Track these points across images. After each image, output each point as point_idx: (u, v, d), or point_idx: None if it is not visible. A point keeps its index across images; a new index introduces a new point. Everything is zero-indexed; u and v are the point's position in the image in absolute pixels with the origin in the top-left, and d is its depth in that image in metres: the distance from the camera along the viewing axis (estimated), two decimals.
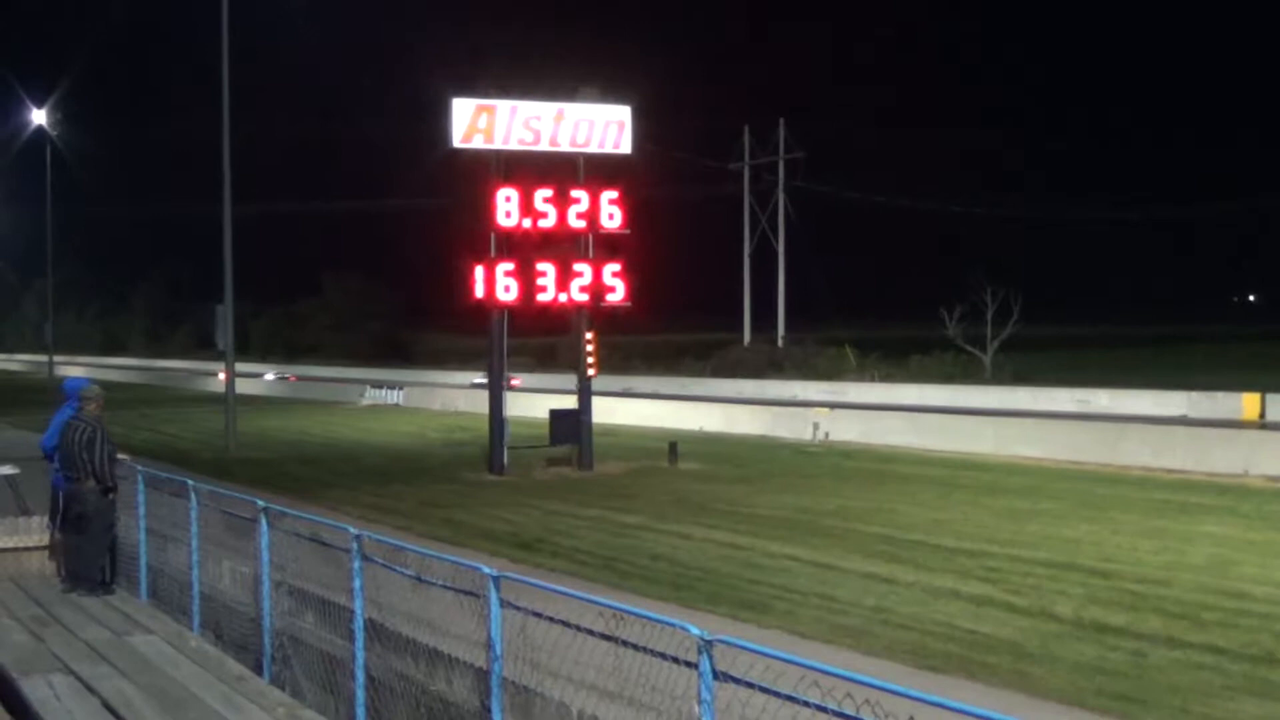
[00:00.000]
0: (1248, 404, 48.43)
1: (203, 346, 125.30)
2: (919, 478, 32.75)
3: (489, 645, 10.12)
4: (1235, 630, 15.46)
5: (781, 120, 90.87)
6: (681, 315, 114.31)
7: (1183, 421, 45.39)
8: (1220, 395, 50.17)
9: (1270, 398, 48.45)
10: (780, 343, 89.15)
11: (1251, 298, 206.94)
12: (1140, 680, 13.45)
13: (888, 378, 72.29)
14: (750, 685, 7.27)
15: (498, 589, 9.99)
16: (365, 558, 12.01)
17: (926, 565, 20.13)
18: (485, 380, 40.28)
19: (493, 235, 34.54)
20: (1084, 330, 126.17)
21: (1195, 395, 50.82)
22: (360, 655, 11.98)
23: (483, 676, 10.59)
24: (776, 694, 7.11)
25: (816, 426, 44.57)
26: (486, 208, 34.24)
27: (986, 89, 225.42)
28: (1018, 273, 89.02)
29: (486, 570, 10.23)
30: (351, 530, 12.32)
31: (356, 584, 11.93)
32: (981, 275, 78.68)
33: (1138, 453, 34.79)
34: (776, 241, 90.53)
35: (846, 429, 44.03)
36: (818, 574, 19.53)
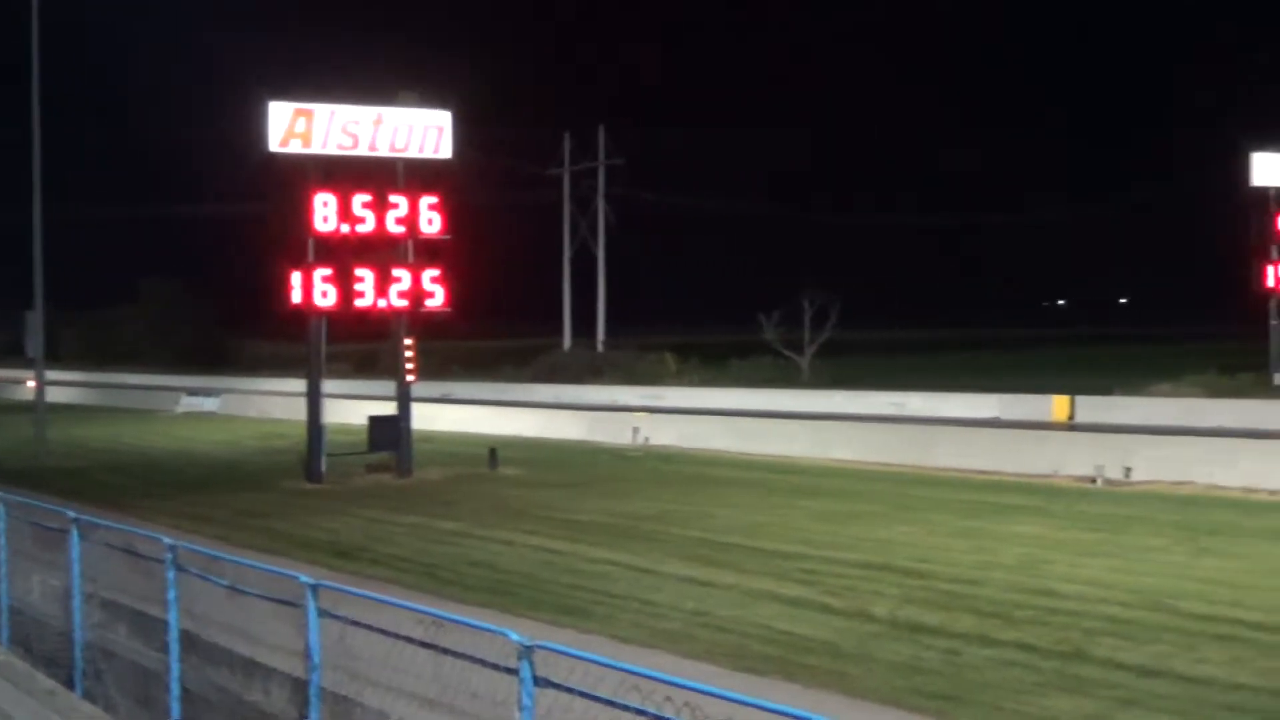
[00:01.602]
0: (1057, 406, 49.52)
1: (12, 353, 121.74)
2: (737, 481, 33.04)
3: (307, 655, 10.00)
4: (1046, 628, 15.84)
5: (601, 127, 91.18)
6: (502, 321, 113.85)
7: (994, 424, 46.35)
8: (1031, 398, 51.26)
9: (1080, 400, 49.67)
10: (600, 348, 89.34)
11: (1061, 302, 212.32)
12: (954, 678, 13.71)
13: (707, 382, 72.72)
14: (570, 690, 7.28)
15: (315, 598, 9.88)
16: (180, 568, 11.79)
17: (745, 568, 20.32)
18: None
19: (310, 240, 34.12)
20: (901, 334, 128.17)
21: (1007, 398, 51.86)
22: (175, 667, 11.76)
23: (301, 686, 10.46)
24: (596, 699, 7.12)
25: (636, 431, 44.74)
26: (304, 213, 33.82)
27: (812, 94, 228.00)
28: (836, 277, 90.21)
29: (304, 579, 10.11)
30: (166, 540, 12.09)
31: (171, 595, 11.72)
32: (800, 280, 79.66)
33: (951, 455, 35.47)
34: (596, 247, 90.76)
35: (666, 433, 44.27)
36: (637, 578, 19.61)
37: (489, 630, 8.01)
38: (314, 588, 9.90)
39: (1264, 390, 50.92)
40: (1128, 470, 31.02)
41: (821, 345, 78.54)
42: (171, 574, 11.71)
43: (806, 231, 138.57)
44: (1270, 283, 51.98)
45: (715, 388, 68.73)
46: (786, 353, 77.82)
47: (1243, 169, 52.22)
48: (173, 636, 11.74)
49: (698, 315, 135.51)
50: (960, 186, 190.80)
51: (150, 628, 12.64)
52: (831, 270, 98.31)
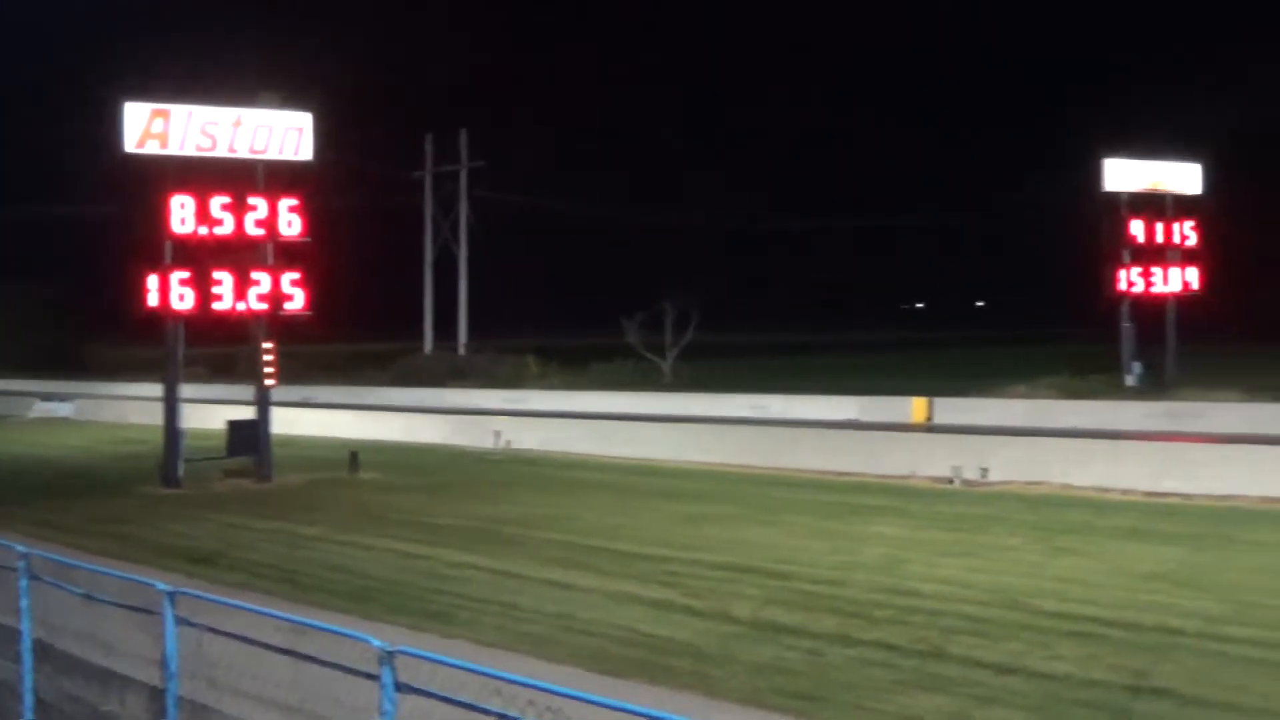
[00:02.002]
0: (916, 408, 50.16)
1: None
2: (600, 484, 33.08)
3: (164, 663, 9.86)
4: (905, 627, 16.06)
5: (463, 130, 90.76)
6: (364, 325, 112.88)
7: (854, 425, 46.86)
8: (890, 400, 51.86)
9: (937, 402, 50.37)
10: (462, 351, 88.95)
11: (919, 305, 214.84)
12: (816, 678, 13.86)
13: (569, 385, 72.67)
14: (432, 695, 7.27)
15: (173, 605, 9.74)
16: (33, 576, 11.57)
17: (607, 571, 20.36)
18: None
19: (168, 243, 33.59)
20: (761, 338, 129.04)
21: (866, 400, 52.43)
22: (28, 678, 11.53)
23: (158, 695, 10.31)
24: (458, 703, 7.12)
25: (498, 435, 44.61)
26: (161, 215, 33.28)
27: (669, 96, 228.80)
28: (699, 281, 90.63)
29: (161, 586, 9.97)
30: (19, 548, 11.85)
31: (24, 604, 11.48)
32: (663, 283, 79.97)
33: (812, 457, 35.79)
34: (458, 250, 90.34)
35: (528, 437, 44.21)
36: (499, 582, 19.57)
37: (350, 636, 7.96)
38: (171, 595, 9.77)
39: (1115, 391, 52.04)
40: (984, 471, 31.53)
41: (683, 348, 78.93)
42: (24, 583, 11.48)
43: (669, 234, 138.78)
44: (1121, 286, 53.19)
45: (577, 391, 68.71)
46: (648, 356, 78.06)
47: (1096, 175, 53.37)
48: (25, 646, 11.52)
49: (561, 319, 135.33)
50: (820, 190, 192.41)
51: (2, 638, 12.38)
52: (694, 273, 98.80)
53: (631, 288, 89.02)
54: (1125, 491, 28.55)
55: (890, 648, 15.04)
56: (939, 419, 49.01)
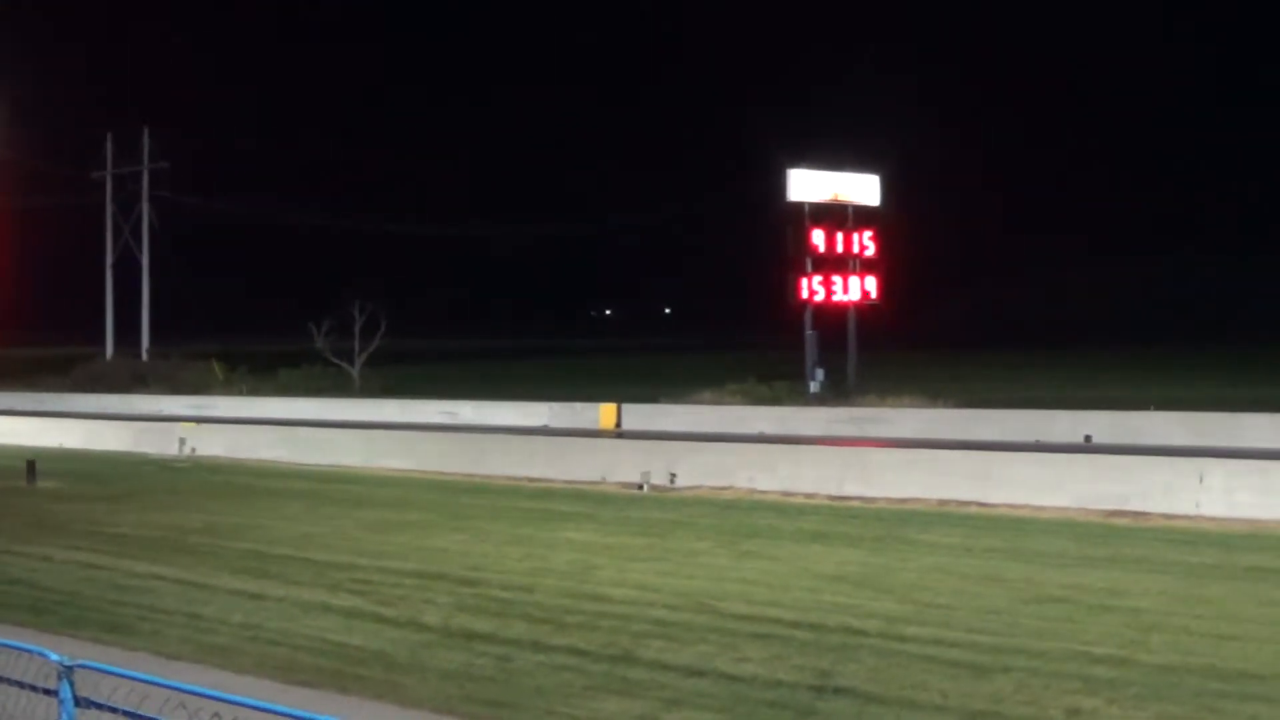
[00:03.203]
0: (605, 414, 50.70)
1: None
2: (289, 492, 32.55)
3: None
4: (596, 632, 16.20)
5: (145, 129, 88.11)
6: (44, 328, 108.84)
7: (545, 432, 47.14)
8: (580, 405, 52.33)
9: (626, 408, 51.00)
10: (145, 356, 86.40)
11: (609, 312, 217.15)
12: (507, 684, 13.88)
13: (255, 391, 71.29)
14: (114, 710, 7.05)
15: None
16: None
17: (296, 580, 20.04)
18: None
19: None
20: (451, 343, 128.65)
21: (556, 406, 52.80)
22: None
23: None
24: (142, 718, 6.92)
25: (183, 442, 43.50)
26: None
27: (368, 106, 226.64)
28: (386, 286, 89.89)
29: None
30: None
31: None
32: (352, 288, 79.06)
33: (503, 463, 35.88)
34: (140, 253, 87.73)
35: (214, 444, 43.21)
36: (185, 593, 19.08)
37: (26, 650, 7.66)
38: None
39: (800, 398, 53.50)
40: (673, 476, 32.03)
41: (372, 354, 78.17)
42: None
43: (356, 240, 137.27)
44: (804, 294, 54.27)
45: (265, 397, 67.48)
46: (337, 361, 77.07)
47: (780, 185, 54.59)
48: None
49: (249, 324, 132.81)
50: (514, 195, 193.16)
51: None
52: (381, 279, 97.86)
53: (322, 293, 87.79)
54: (810, 495, 29.36)
55: (580, 653, 15.15)
56: (628, 425, 49.65)
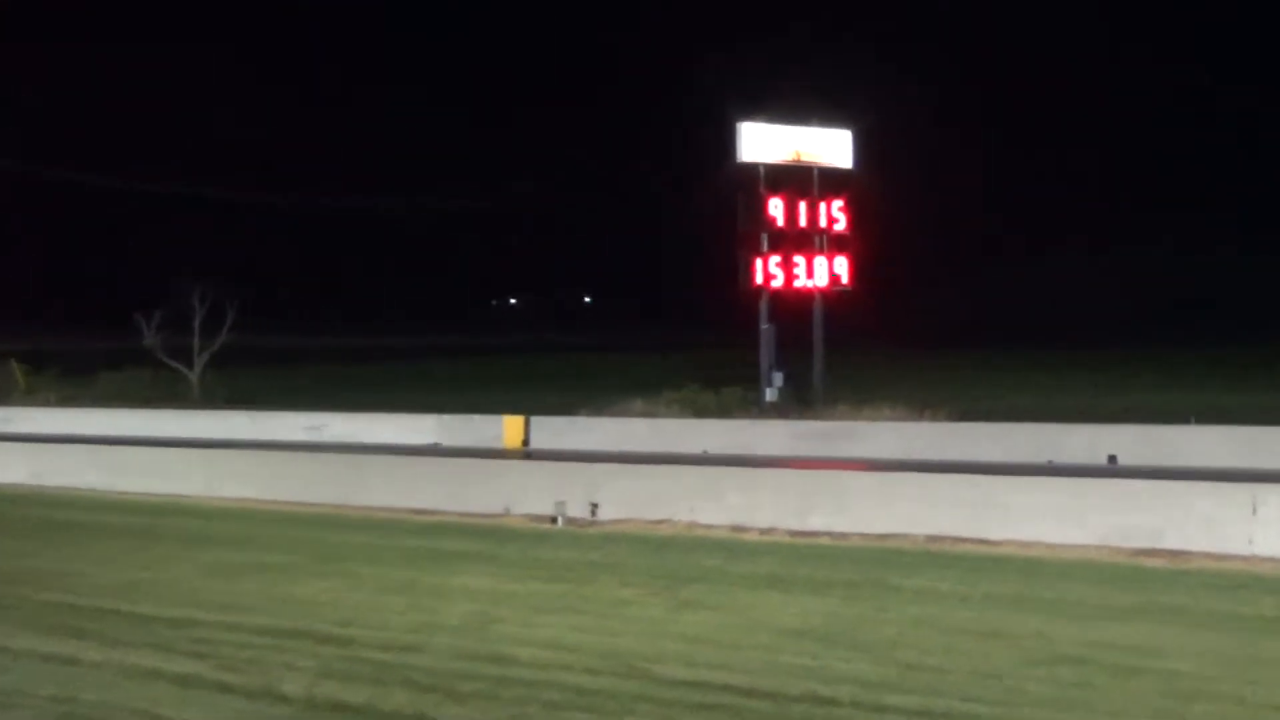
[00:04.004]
0: (509, 428, 50.52)
1: None
2: (110, 528, 32.29)
3: None
4: (496, 703, 16.12)
5: None
6: None
7: (434, 451, 46.94)
8: (478, 418, 52.13)
9: (536, 421, 50.85)
10: None
11: (513, 301, 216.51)
12: None
13: (68, 400, 70.62)
14: None
15: None
16: None
17: (120, 639, 19.86)
18: None
19: None
20: (315, 341, 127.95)
21: (448, 419, 52.56)
22: None
23: None
24: None
25: None
26: None
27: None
28: (235, 269, 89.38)
29: None
30: None
31: None
32: (192, 271, 78.40)
33: (382, 491, 35.69)
34: None
35: (14, 467, 42.77)
36: None
37: None
38: None
39: (754, 408, 53.42)
40: (594, 507, 31.96)
41: (217, 353, 77.54)
42: None
43: (195, 211, 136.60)
44: (759, 278, 53.76)
45: (80, 408, 66.90)
46: (172, 364, 76.46)
47: (730, 143, 54.31)
48: None
49: (60, 318, 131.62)
50: (395, 162, 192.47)
51: None
52: (229, 259, 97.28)
53: (153, 277, 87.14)
54: (766, 530, 29.39)
55: None
56: (538, 443, 49.57)
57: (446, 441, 50.23)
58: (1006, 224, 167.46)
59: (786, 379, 55.28)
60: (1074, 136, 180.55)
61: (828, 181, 55.82)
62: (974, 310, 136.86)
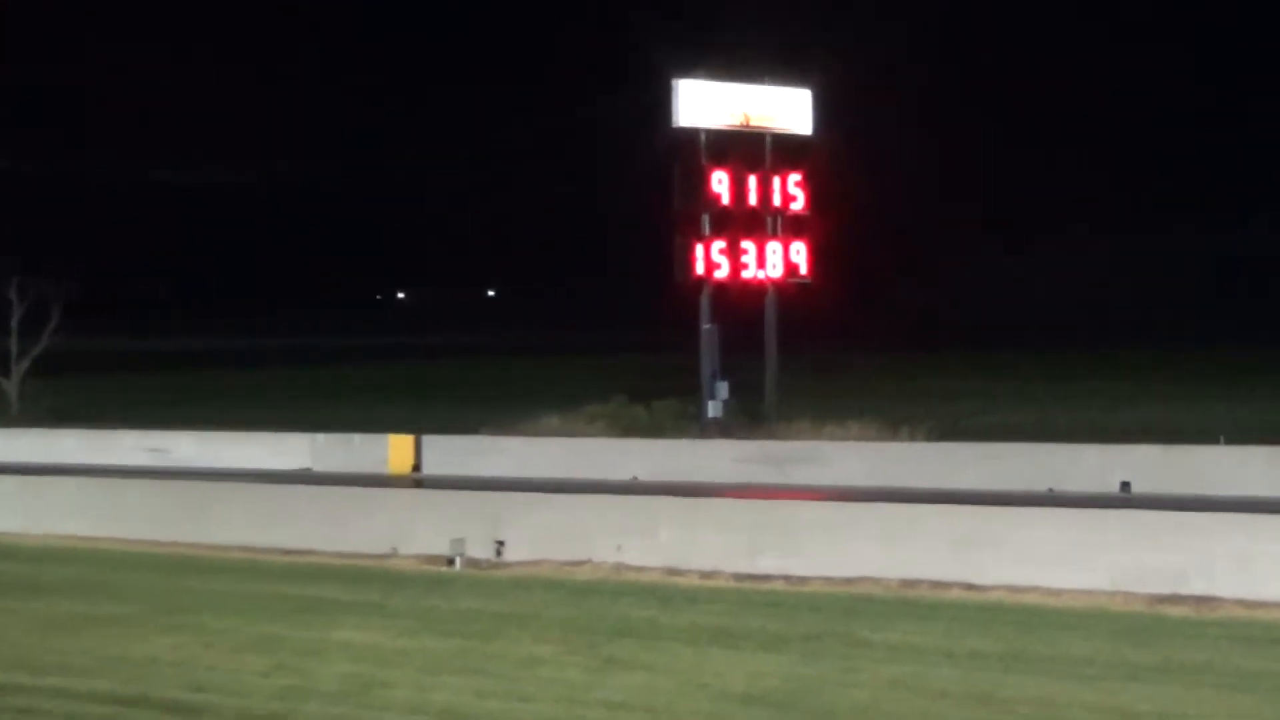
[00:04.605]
0: (396, 450, 50.25)
1: None
2: None
3: None
4: None
5: None
6: None
7: (305, 478, 46.74)
8: (359, 438, 51.86)
9: (428, 441, 50.62)
10: None
11: (402, 295, 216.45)
12: None
13: None
14: None
15: None
16: None
17: None
18: None
19: None
20: (156, 344, 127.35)
21: (323, 438, 52.24)
22: None
23: None
24: None
25: None
26: None
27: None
28: (65, 258, 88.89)
29: None
30: None
31: None
32: (8, 258, 77.88)
33: (242, 527, 35.54)
34: None
35: None
36: None
37: None
38: None
39: (693, 425, 53.29)
40: (500, 546, 31.96)
41: (40, 359, 76.99)
42: None
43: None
44: (699, 268, 53.35)
45: None
46: None
47: (666, 105, 54.10)
48: None
49: None
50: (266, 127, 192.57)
51: None
52: (61, 245, 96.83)
53: None
54: (708, 574, 29.40)
55: None
56: (431, 468, 49.40)
57: (320, 466, 50.00)
58: (998, 203, 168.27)
59: (732, 390, 55.09)
60: (1079, 116, 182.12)
61: (783, 151, 55.49)
62: (957, 307, 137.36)
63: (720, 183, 53.26)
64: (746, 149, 54.92)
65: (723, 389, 54.35)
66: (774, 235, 54.84)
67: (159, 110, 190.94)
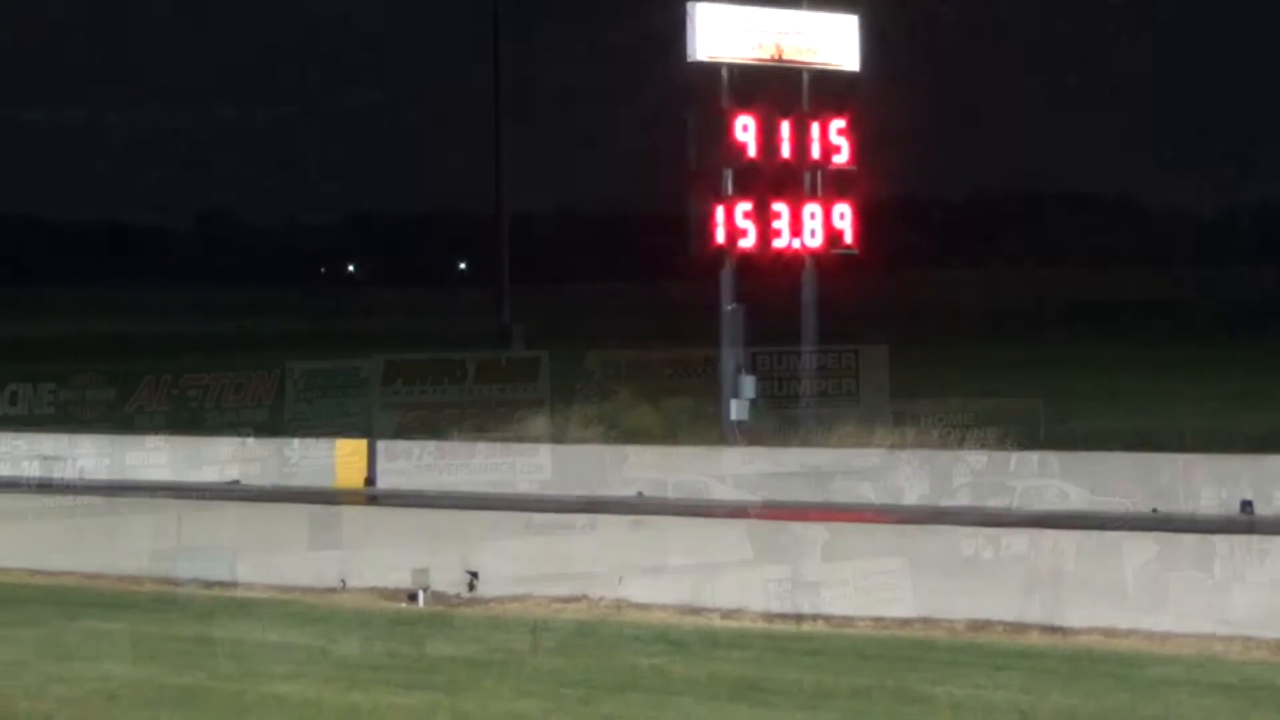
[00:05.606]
0: (345, 459, 50.22)
1: None
2: None
3: None
4: None
5: None
6: None
7: (234, 493, 46.75)
8: (298, 443, 51.82)
9: (382, 447, 50.51)
10: None
11: (352, 268, 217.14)
12: None
13: None
14: None
15: None
16: None
17: None
18: None
19: None
20: (70, 324, 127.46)
21: (255, 444, 52.24)
22: None
23: None
24: None
25: None
26: None
27: None
28: None
29: None
30: None
31: None
32: None
33: (153, 552, 35.61)
34: None
35: None
36: None
37: None
38: None
39: (711, 429, 53.08)
40: (473, 578, 32.00)
41: None
42: None
43: None
44: (720, 237, 53.00)
45: None
46: None
47: (680, 35, 53.76)
48: None
49: None
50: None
51: None
52: None
53: None
54: (731, 613, 29.44)
55: None
56: (389, 481, 49.44)
57: (251, 479, 50.05)
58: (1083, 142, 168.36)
59: (760, 388, 54.88)
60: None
61: (823, 91, 55.25)
62: (1044, 282, 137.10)
63: (746, 130, 52.71)
64: (779, 88, 54.52)
65: (749, 385, 54.09)
66: (812, 196, 54.38)
67: None
